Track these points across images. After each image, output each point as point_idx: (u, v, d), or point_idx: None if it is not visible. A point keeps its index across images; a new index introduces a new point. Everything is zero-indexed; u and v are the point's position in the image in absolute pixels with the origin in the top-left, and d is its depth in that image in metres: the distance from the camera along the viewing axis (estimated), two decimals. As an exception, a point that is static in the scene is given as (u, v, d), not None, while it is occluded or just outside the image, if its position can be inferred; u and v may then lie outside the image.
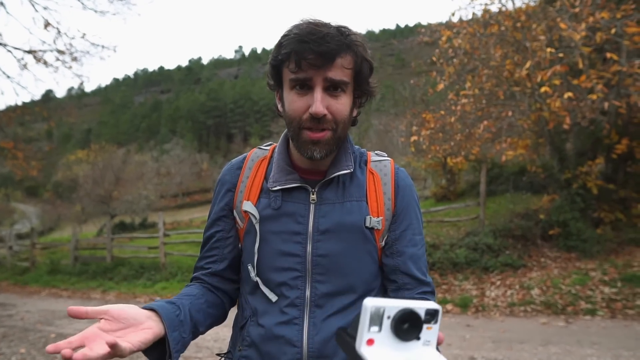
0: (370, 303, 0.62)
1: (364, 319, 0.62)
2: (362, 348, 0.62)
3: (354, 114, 1.13)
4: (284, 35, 1.04)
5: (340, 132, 1.06)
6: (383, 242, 1.14)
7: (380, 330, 0.63)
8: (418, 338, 0.64)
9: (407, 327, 0.63)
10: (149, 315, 0.93)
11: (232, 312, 1.24)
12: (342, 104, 1.05)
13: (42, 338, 6.43)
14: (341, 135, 1.07)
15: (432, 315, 0.65)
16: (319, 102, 1.00)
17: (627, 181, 8.25)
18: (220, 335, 5.68)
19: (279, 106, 1.14)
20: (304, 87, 1.03)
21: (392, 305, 0.63)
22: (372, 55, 1.10)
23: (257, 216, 1.11)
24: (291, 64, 1.01)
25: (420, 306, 0.64)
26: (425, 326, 0.65)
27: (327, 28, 1.00)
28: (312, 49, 0.98)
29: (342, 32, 1.02)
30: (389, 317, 0.63)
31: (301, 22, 1.04)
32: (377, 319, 0.63)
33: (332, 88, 1.03)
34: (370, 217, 1.11)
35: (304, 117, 1.03)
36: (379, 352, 0.63)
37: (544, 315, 5.94)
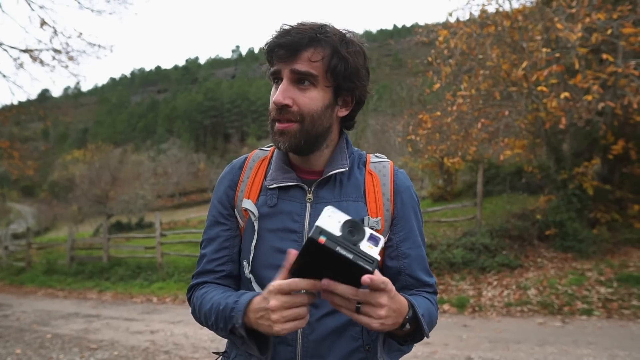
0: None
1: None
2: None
3: (340, 113, 1.13)
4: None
5: (308, 125, 1.06)
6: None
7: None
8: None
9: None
10: None
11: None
12: (310, 97, 1.05)
13: (38, 338, 6.40)
14: (310, 129, 1.07)
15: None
16: (280, 92, 1.04)
17: (623, 182, 8.28)
18: (217, 336, 5.67)
19: None
20: (278, 80, 1.07)
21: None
22: (368, 56, 1.11)
23: (257, 214, 1.12)
24: (269, 60, 1.09)
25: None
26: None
27: (301, 25, 1.05)
28: (277, 42, 1.04)
29: (315, 29, 1.04)
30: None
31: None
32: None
33: (299, 80, 1.05)
34: (369, 218, 1.11)
35: (274, 108, 1.07)
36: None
37: (541, 315, 5.95)
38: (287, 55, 1.03)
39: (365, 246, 0.79)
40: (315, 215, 1.10)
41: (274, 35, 1.06)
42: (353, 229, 0.79)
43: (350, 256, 0.78)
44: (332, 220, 0.80)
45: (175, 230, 16.45)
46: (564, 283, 6.51)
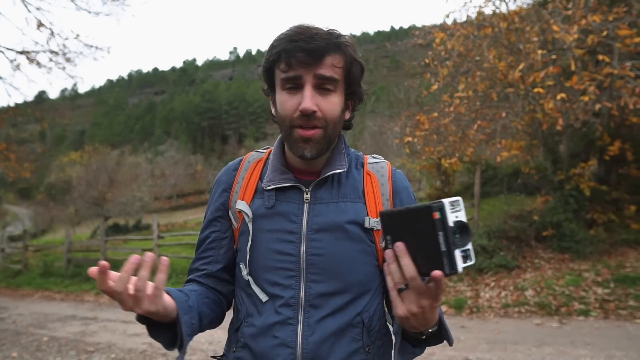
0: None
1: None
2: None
3: (346, 116, 1.15)
4: (275, 38, 1.07)
5: (330, 131, 1.07)
6: (383, 243, 1.14)
7: None
8: None
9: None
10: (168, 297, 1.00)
11: (228, 315, 1.24)
12: (332, 102, 1.06)
13: (35, 341, 6.38)
14: (332, 134, 1.08)
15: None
16: (308, 99, 1.02)
17: (620, 183, 8.30)
18: (215, 338, 5.66)
19: (273, 110, 1.15)
20: (295, 86, 1.04)
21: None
22: (365, 57, 1.12)
23: (250, 215, 1.12)
24: (282, 64, 1.04)
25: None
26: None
27: (316, 29, 1.03)
28: (301, 47, 1.01)
29: (331, 34, 1.05)
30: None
31: (293, 26, 1.07)
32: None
33: (322, 86, 1.04)
34: (369, 218, 1.11)
35: (295, 115, 1.04)
36: None
37: (538, 316, 5.96)
38: (312, 60, 1.02)
39: (459, 254, 0.78)
40: (313, 215, 1.10)
41: (290, 38, 1.03)
42: (463, 233, 0.79)
43: (443, 248, 0.78)
44: (455, 209, 0.79)
45: (172, 232, 16.41)
46: (561, 284, 6.52)
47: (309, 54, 1.01)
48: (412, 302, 0.85)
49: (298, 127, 1.05)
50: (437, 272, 0.78)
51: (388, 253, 0.86)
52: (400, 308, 0.86)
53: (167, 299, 0.98)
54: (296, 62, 1.02)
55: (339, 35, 1.06)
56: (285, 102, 1.06)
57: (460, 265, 0.77)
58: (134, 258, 0.87)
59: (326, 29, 1.06)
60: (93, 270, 0.85)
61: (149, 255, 0.89)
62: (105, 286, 0.86)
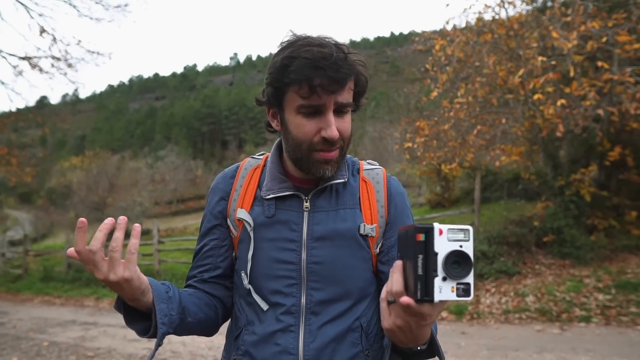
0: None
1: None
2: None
3: None
4: (290, 58, 1.00)
5: (345, 148, 1.10)
6: (377, 250, 1.15)
7: None
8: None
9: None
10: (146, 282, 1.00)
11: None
12: (347, 122, 1.08)
13: (35, 346, 6.36)
14: (346, 150, 1.11)
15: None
16: (334, 127, 1.03)
17: (620, 188, 8.29)
18: (215, 344, 5.65)
19: (274, 124, 1.14)
20: (315, 111, 1.03)
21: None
22: (367, 63, 1.12)
23: (252, 223, 1.12)
24: (303, 90, 1.00)
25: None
26: None
27: (333, 50, 1.00)
28: (329, 75, 0.98)
29: (346, 55, 1.02)
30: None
31: (301, 41, 1.03)
32: None
33: (340, 110, 1.05)
34: (365, 225, 1.12)
35: (315, 139, 1.05)
36: None
37: (539, 322, 5.94)
38: (337, 89, 1.01)
39: (449, 286, 0.74)
40: (313, 224, 1.10)
41: (313, 65, 0.97)
42: (463, 265, 0.75)
43: (420, 272, 0.75)
44: (458, 238, 0.76)
45: (172, 238, 16.40)
46: (562, 290, 6.51)
47: (335, 82, 0.99)
48: (398, 316, 0.83)
49: (319, 150, 1.05)
50: (404, 299, 0.76)
51: (393, 266, 0.85)
52: (387, 320, 0.85)
53: (144, 279, 0.99)
54: (322, 91, 1.00)
55: (352, 54, 1.04)
56: (303, 126, 1.05)
57: (444, 296, 0.74)
58: (109, 220, 0.89)
59: (336, 45, 1.02)
60: (72, 250, 0.88)
61: (122, 218, 0.92)
62: (82, 245, 0.87)
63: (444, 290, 0.74)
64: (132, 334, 6.73)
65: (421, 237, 0.75)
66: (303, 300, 1.08)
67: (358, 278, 1.12)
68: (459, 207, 11.81)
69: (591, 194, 7.66)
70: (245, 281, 1.12)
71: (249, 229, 1.12)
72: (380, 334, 1.15)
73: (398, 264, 0.83)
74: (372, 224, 1.13)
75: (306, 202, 1.12)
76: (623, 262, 7.12)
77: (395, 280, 0.81)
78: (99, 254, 0.89)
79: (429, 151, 9.68)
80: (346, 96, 1.04)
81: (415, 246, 0.76)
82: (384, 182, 1.19)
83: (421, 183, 18.49)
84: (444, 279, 0.74)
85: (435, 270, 0.74)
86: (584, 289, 6.44)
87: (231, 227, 1.17)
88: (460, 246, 0.75)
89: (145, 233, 24.06)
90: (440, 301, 0.75)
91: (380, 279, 1.16)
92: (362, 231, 1.11)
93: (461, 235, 0.76)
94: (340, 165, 1.14)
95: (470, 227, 0.77)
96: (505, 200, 10.58)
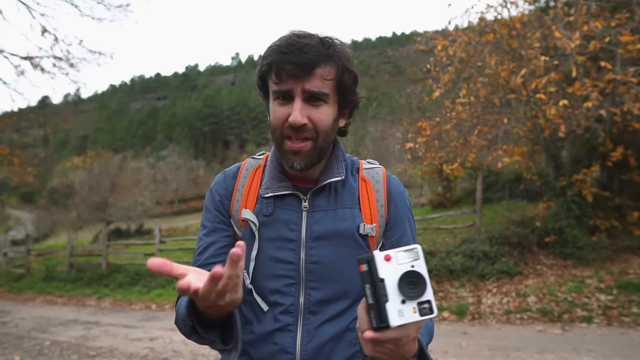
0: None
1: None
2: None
3: (341, 124, 1.15)
4: (268, 47, 1.06)
5: (321, 142, 1.07)
6: (378, 249, 1.14)
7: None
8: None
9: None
10: None
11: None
12: (323, 113, 1.06)
13: (37, 345, 6.38)
14: (323, 145, 1.08)
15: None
16: (297, 112, 1.02)
17: (623, 189, 8.28)
18: (216, 343, 5.64)
19: (268, 117, 1.14)
20: (286, 97, 1.04)
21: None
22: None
23: (257, 223, 1.11)
24: (273, 76, 1.04)
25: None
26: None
27: (308, 39, 1.02)
28: (290, 60, 1.00)
29: (324, 43, 1.03)
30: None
31: (286, 33, 1.05)
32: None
33: (313, 99, 1.04)
34: (364, 224, 1.12)
35: (285, 125, 1.05)
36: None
37: (540, 322, 5.93)
38: (301, 74, 1.01)
39: (410, 307, 0.74)
40: (312, 223, 1.10)
41: (280, 50, 1.01)
42: (419, 283, 0.74)
43: (370, 301, 0.75)
44: (404, 260, 0.75)
45: (174, 237, 16.44)
46: (564, 290, 6.50)
47: (298, 67, 1.00)
48: (373, 346, 0.80)
49: (288, 138, 1.05)
50: (367, 334, 0.75)
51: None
52: (367, 349, 0.82)
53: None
54: (286, 76, 1.01)
55: (331, 45, 1.04)
56: (276, 112, 1.06)
57: (406, 319, 0.73)
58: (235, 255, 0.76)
59: (320, 37, 1.04)
60: (155, 263, 0.80)
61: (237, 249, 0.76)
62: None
63: (405, 312, 0.74)
64: (133, 333, 6.74)
65: (364, 267, 0.76)
66: (301, 299, 1.08)
67: (357, 278, 1.10)
68: (461, 208, 11.81)
69: (593, 194, 7.65)
70: (248, 281, 1.11)
71: (254, 228, 1.11)
72: None
73: (362, 300, 0.80)
74: (371, 224, 1.12)
75: (305, 202, 1.12)
76: (625, 262, 7.11)
77: (360, 318, 0.80)
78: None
79: (430, 151, 9.68)
80: (317, 84, 1.02)
81: (361, 277, 0.76)
82: (384, 181, 1.18)
83: (423, 183, 18.50)
84: (403, 301, 0.74)
85: (385, 295, 0.74)
86: (585, 290, 6.43)
87: (235, 227, 1.16)
88: (412, 266, 0.75)
89: (146, 233, 24.15)
90: (402, 325, 0.74)
91: None
92: (361, 231, 1.11)
93: (411, 256, 0.76)
94: (332, 160, 1.14)
95: (418, 246, 0.77)
96: (507, 200, 10.58)
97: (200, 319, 0.93)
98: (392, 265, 0.75)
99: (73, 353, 5.90)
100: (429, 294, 0.74)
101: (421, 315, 0.74)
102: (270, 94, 1.08)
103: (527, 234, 7.89)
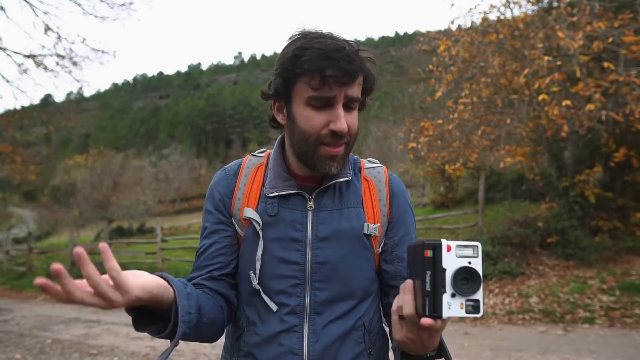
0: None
1: None
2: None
3: None
4: (303, 48, 0.99)
5: (352, 144, 1.09)
6: (380, 249, 1.15)
7: None
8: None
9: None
10: (157, 279, 0.89)
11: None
12: (355, 117, 1.07)
13: (38, 344, 6.39)
14: (351, 147, 1.10)
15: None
16: (344, 120, 1.02)
17: (625, 190, 8.26)
18: (219, 342, 5.63)
19: (279, 118, 1.12)
20: (325, 104, 1.02)
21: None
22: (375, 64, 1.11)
23: (261, 222, 1.09)
24: (314, 81, 0.99)
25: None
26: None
27: (346, 43, 1.00)
28: (341, 67, 0.97)
29: (357, 50, 1.02)
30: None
31: (312, 34, 1.02)
32: None
33: (349, 104, 1.04)
34: (368, 224, 1.11)
35: (323, 132, 1.03)
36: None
37: (543, 323, 5.92)
38: (349, 81, 0.99)
39: (458, 302, 0.74)
40: (318, 223, 1.09)
41: (326, 55, 0.96)
42: (473, 281, 0.75)
43: (428, 288, 0.75)
44: (466, 255, 0.76)
45: (176, 236, 16.43)
46: (566, 291, 6.49)
47: (347, 74, 0.98)
48: (410, 331, 0.83)
49: (326, 144, 1.04)
50: (425, 320, 0.76)
51: (403, 285, 0.84)
52: (399, 333, 0.86)
53: (153, 283, 0.86)
54: (334, 83, 0.98)
55: (361, 51, 1.03)
56: (311, 119, 1.03)
57: (453, 312, 0.74)
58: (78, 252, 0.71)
59: (346, 41, 1.02)
60: (47, 281, 0.70)
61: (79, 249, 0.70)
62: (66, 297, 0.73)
63: (452, 306, 0.74)
64: (135, 332, 6.74)
65: (429, 253, 0.76)
66: (307, 300, 1.07)
67: (362, 278, 1.11)
68: (463, 208, 11.80)
69: (596, 195, 7.63)
70: (255, 281, 1.09)
71: (257, 228, 1.09)
72: (381, 332, 1.17)
73: (408, 283, 0.82)
74: (375, 224, 1.12)
75: (310, 202, 1.11)
76: (627, 263, 7.09)
77: (405, 301, 0.81)
78: (90, 292, 0.76)
79: (433, 151, 9.67)
80: (356, 90, 1.03)
81: (423, 262, 0.76)
82: (386, 180, 1.18)
83: (425, 183, 18.49)
84: (453, 295, 0.74)
85: (444, 286, 0.75)
86: (587, 290, 6.41)
87: (237, 226, 1.14)
88: (469, 262, 0.75)
89: (148, 231, 24.19)
90: (448, 317, 0.75)
91: (383, 277, 1.16)
92: (365, 231, 1.10)
93: (470, 252, 0.76)
94: (345, 162, 1.13)
95: (478, 244, 0.77)
96: (509, 200, 10.56)
97: (138, 313, 0.92)
98: (452, 257, 0.75)
99: (74, 351, 5.91)
100: (479, 294, 0.75)
101: (467, 312, 0.75)
102: (298, 97, 1.03)
103: (529, 235, 7.88)
